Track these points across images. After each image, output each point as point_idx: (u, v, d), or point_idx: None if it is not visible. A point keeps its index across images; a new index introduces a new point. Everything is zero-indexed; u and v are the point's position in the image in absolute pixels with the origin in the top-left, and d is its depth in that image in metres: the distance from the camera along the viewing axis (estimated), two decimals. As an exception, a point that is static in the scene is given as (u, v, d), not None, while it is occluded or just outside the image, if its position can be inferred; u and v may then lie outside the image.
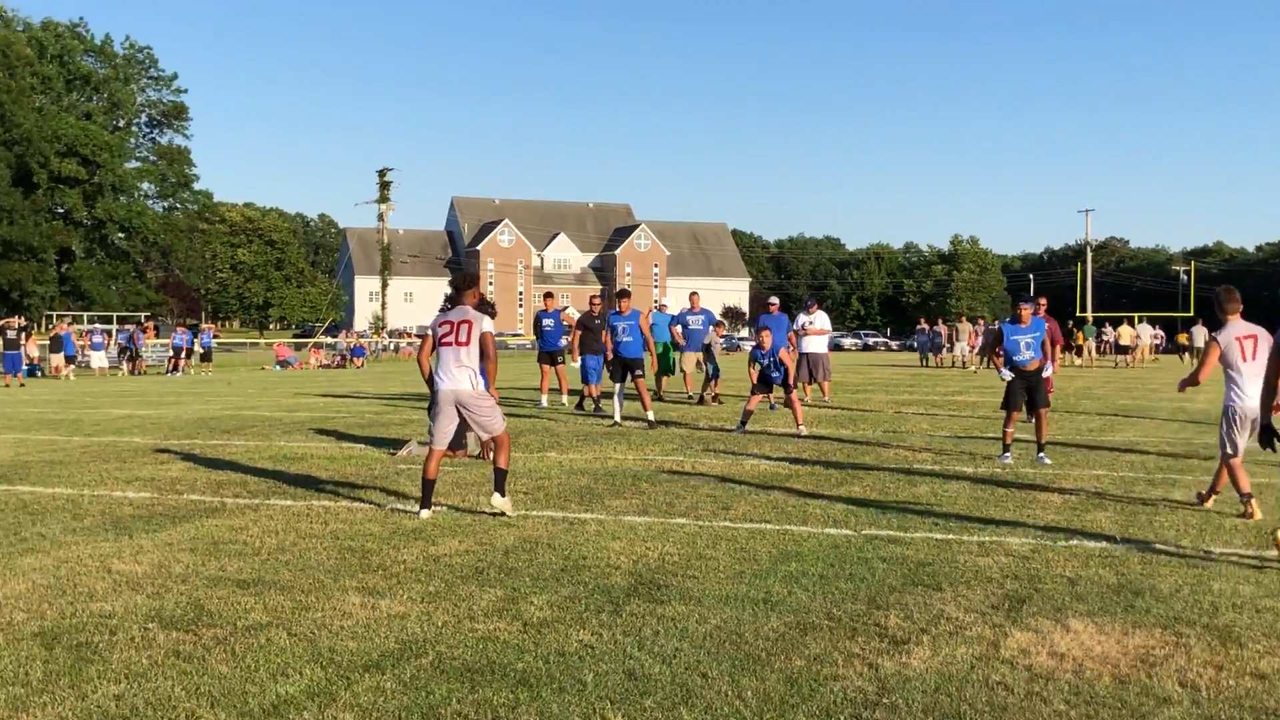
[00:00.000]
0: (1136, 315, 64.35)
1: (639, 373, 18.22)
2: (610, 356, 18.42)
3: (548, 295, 23.07)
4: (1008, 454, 13.35)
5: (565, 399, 22.02)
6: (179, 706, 5.09)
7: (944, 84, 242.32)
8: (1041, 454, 13.22)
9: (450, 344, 9.78)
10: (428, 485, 9.82)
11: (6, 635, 6.17)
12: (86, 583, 7.34)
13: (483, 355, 9.80)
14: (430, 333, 10.01)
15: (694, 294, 23.36)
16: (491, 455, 10.40)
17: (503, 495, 9.73)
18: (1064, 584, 7.25)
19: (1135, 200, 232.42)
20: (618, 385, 18.02)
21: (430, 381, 10.17)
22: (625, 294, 18.87)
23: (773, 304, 21.94)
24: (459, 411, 9.79)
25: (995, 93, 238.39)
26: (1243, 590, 7.06)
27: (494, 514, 9.76)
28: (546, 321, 21.99)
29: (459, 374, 9.71)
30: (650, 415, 17.72)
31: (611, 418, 18.00)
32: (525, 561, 7.93)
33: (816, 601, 6.82)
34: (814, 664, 5.65)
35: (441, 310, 11.22)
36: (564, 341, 22.42)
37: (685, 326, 22.88)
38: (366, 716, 4.96)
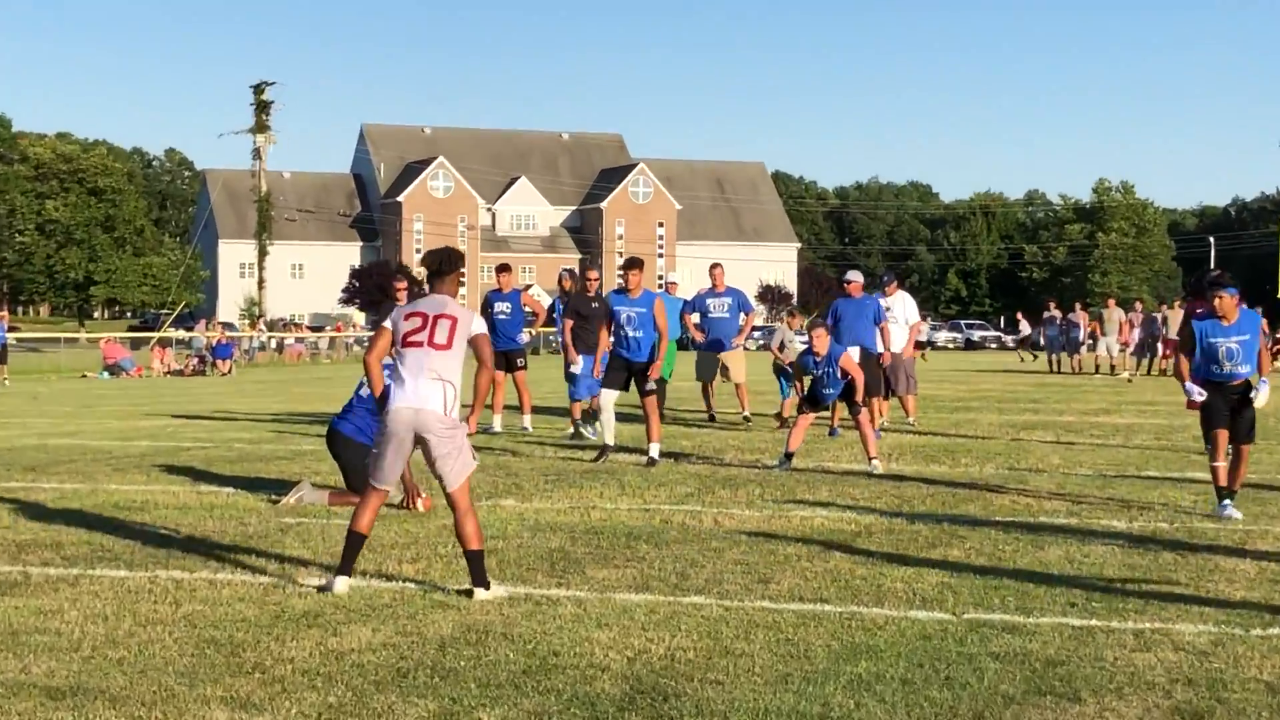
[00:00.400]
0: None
1: (650, 386, 17.95)
2: (594, 356, 18.55)
3: (502, 269, 23.13)
4: (1227, 504, 13.09)
5: (528, 420, 22.04)
6: None
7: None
8: (1227, 503, 13.15)
9: (420, 345, 9.73)
10: (354, 541, 9.78)
11: None
12: None
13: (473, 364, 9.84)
14: (389, 325, 9.94)
15: (716, 268, 23.36)
16: (456, 525, 9.91)
17: (487, 588, 9.62)
18: (1260, 691, 7.29)
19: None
20: (610, 397, 18.02)
21: (383, 397, 10.04)
22: (635, 264, 18.43)
23: (852, 283, 21.49)
24: (421, 441, 9.71)
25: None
26: None
27: (429, 586, 9.79)
28: (500, 306, 22.05)
29: (428, 389, 9.66)
30: (655, 449, 17.65)
31: (600, 448, 18.05)
32: (470, 660, 7.97)
33: (898, 718, 6.85)
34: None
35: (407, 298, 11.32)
36: (525, 336, 22.47)
37: (705, 314, 22.85)
38: None
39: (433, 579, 10.18)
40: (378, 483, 9.84)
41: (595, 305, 20.25)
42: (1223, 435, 12.91)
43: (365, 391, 14.15)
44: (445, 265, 10.07)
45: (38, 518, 13.30)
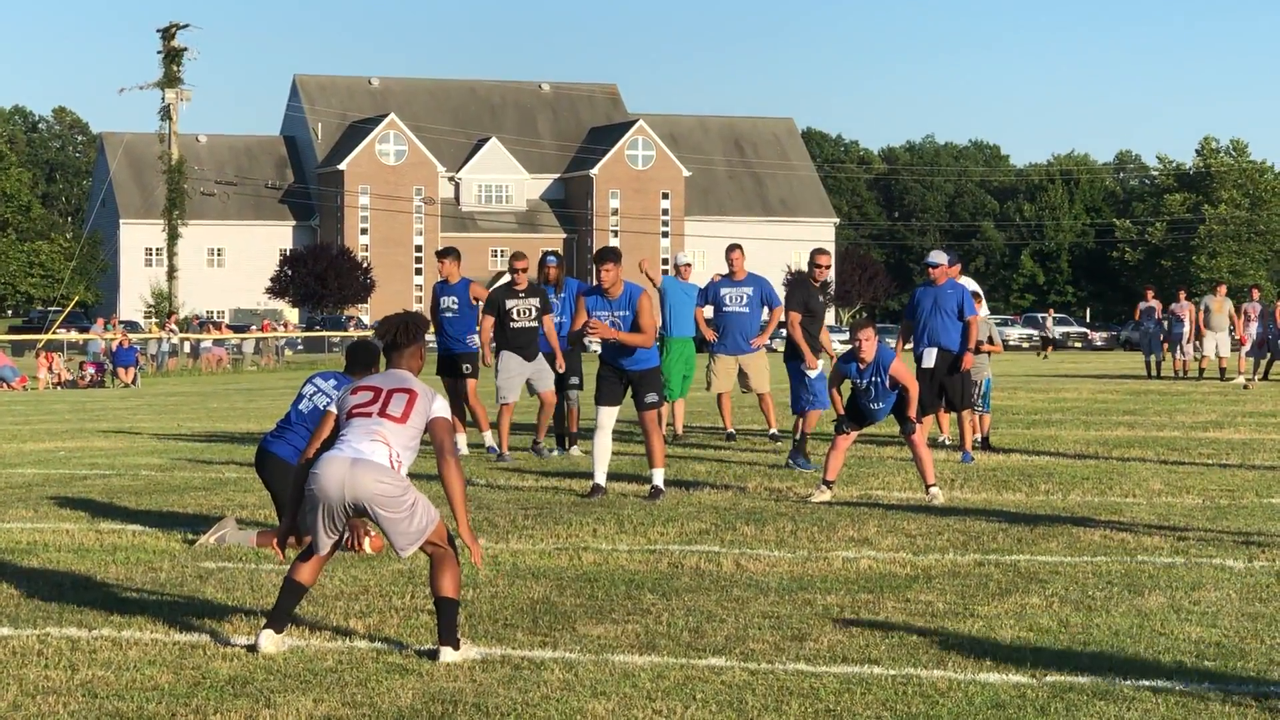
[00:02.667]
0: None
1: (651, 399, 17.80)
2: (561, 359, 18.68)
3: (445, 253, 22.89)
4: None
5: (489, 437, 22.02)
6: None
7: None
8: None
9: (369, 414, 9.71)
10: (291, 590, 9.77)
11: None
12: None
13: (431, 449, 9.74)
14: (334, 408, 9.89)
15: (735, 250, 23.24)
16: (431, 570, 9.92)
17: (456, 647, 9.58)
18: None
19: None
20: (607, 416, 17.92)
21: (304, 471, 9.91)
22: (610, 255, 18.03)
23: (937, 266, 21.20)
24: (359, 509, 9.65)
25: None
26: None
27: (388, 645, 9.81)
28: (446, 301, 22.07)
29: (370, 446, 9.61)
30: (659, 476, 17.48)
31: (592, 475, 17.95)
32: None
33: (966, 808, 6.88)
34: None
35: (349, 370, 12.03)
36: (474, 339, 22.35)
37: (720, 308, 22.75)
38: None
39: (388, 636, 10.18)
40: (319, 549, 9.76)
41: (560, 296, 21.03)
42: None
43: (305, 405, 14.16)
44: (402, 337, 9.95)
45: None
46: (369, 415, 9.62)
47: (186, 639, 10.30)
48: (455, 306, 21.88)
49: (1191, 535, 14.34)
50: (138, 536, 14.76)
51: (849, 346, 16.58)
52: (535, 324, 20.66)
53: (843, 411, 16.08)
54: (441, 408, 9.77)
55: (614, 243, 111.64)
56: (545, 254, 22.28)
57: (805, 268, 20.47)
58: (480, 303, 21.94)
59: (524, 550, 13.67)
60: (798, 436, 20.11)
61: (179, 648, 10.03)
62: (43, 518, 16.09)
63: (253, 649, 9.58)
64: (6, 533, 15.01)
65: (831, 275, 20.29)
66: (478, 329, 22.02)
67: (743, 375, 22.73)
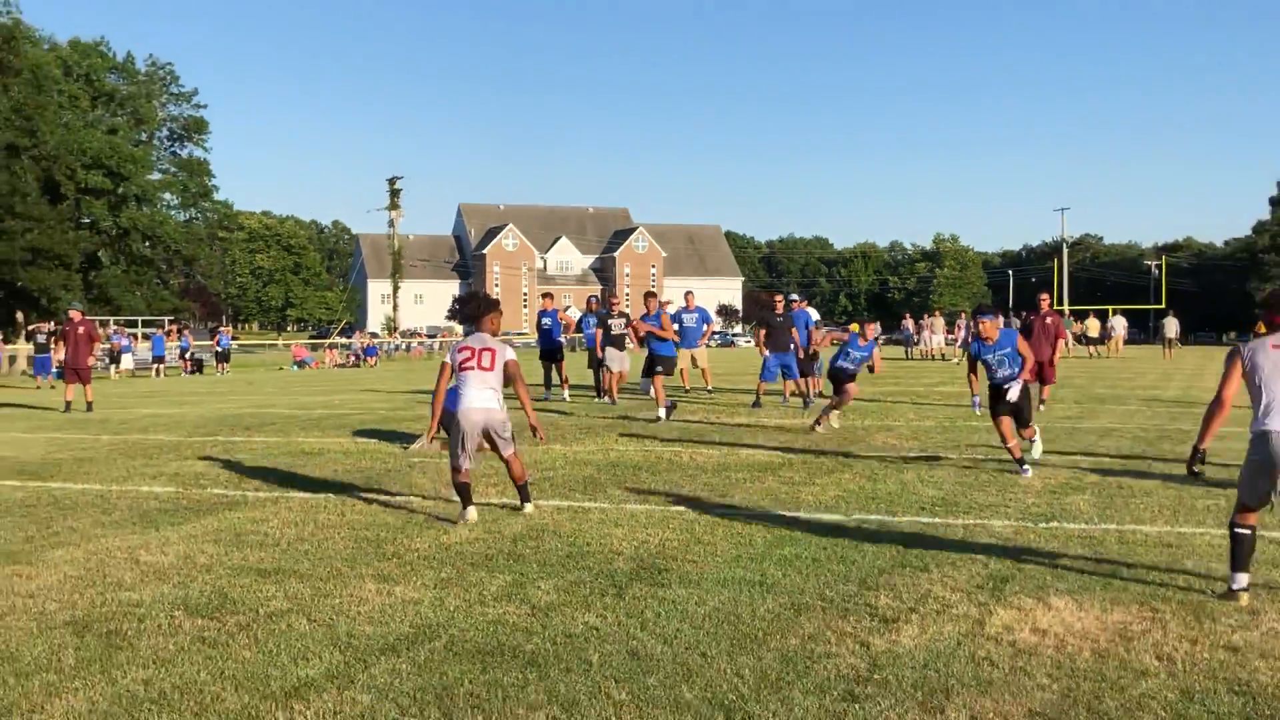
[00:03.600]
0: (1110, 308, 64.28)
1: (659, 370, 18.10)
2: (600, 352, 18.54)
3: (546, 295, 23.07)
4: (1025, 465, 11.25)
5: (566, 392, 21.95)
6: (205, 690, 5.08)
7: (927, 90, 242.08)
8: (1024, 463, 11.32)
9: (472, 368, 9.10)
10: (464, 488, 9.13)
11: (40, 624, 6.16)
12: (115, 573, 7.33)
13: (509, 382, 9.21)
14: (449, 359, 9.30)
15: (689, 294, 23.25)
16: (510, 472, 9.39)
17: (530, 503, 9.39)
18: (1045, 564, 7.24)
19: (1109, 199, 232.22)
20: (660, 379, 17.93)
21: (441, 409, 9.43)
22: (651, 294, 19.06)
23: (796, 301, 21.25)
24: (486, 434, 9.13)
25: (975, 98, 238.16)
26: (1215, 568, 7.04)
27: (501, 505, 9.75)
28: (546, 320, 22.09)
29: (490, 397, 9.07)
30: (663, 411, 17.20)
31: (666, 410, 17.36)
32: (532, 549, 7.92)
33: (810, 583, 6.81)
34: (808, 643, 5.65)
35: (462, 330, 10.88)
36: (563, 339, 22.39)
37: (680, 324, 22.75)
38: (383, 698, 4.95)
39: (508, 497, 10.14)
40: (458, 468, 9.08)
41: (616, 319, 20.72)
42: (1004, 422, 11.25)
43: None
44: (482, 309, 9.33)
45: (251, 459, 13.27)
46: (473, 369, 9.03)
47: (402, 498, 10.26)
48: (549, 323, 21.94)
49: (930, 441, 14.22)
50: (376, 445, 14.64)
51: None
52: (624, 333, 20.89)
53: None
54: (512, 354, 9.19)
55: (627, 294, 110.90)
56: (590, 297, 22.18)
57: (771, 303, 20.11)
58: (563, 323, 22.24)
59: (579, 450, 13.53)
60: (760, 395, 19.91)
61: (398, 503, 9.99)
62: (325, 435, 15.99)
63: (463, 519, 8.95)
64: (306, 444, 14.90)
65: (781, 306, 19.71)
66: (562, 335, 22.23)
67: (693, 359, 22.58)
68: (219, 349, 47.09)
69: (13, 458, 13.82)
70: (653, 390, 18.04)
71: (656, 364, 18.34)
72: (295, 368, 52.16)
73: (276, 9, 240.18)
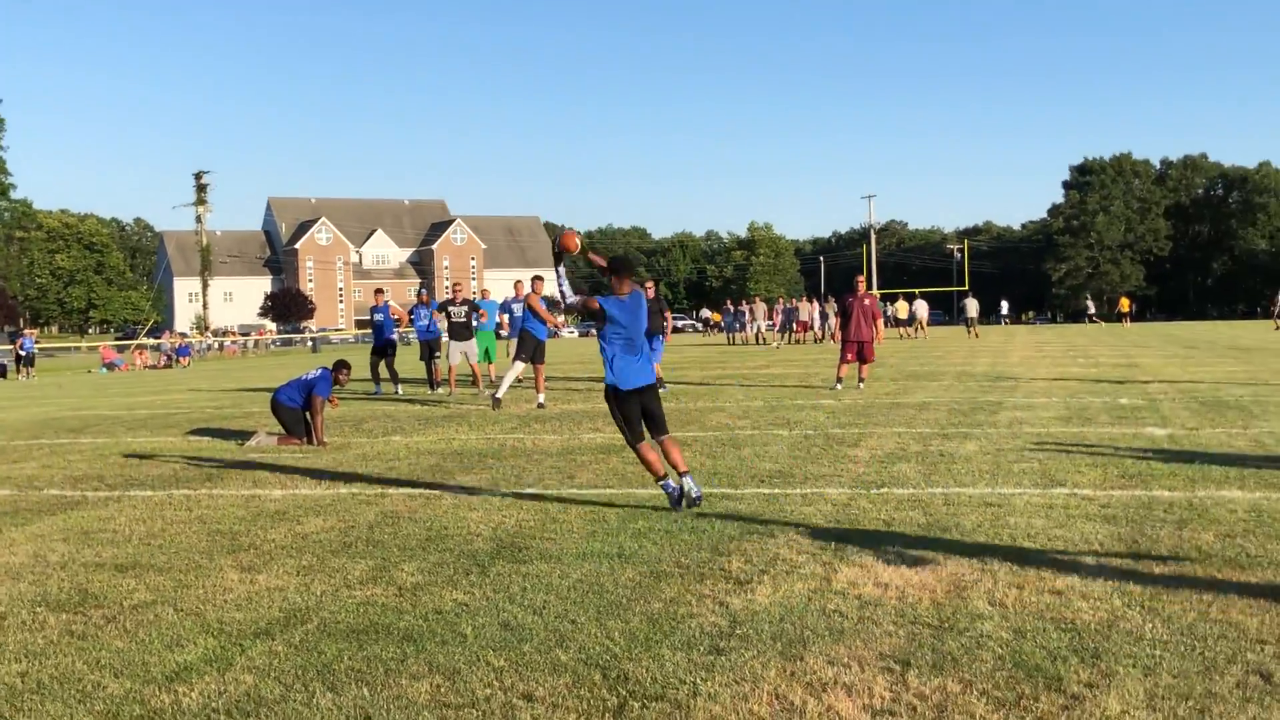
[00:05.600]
0: (916, 291, 66.82)
1: (542, 359, 18.12)
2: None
3: (378, 290, 22.91)
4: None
5: (400, 388, 21.86)
6: (84, 679, 5.11)
7: (737, 76, 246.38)
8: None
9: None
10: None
11: (-109, 629, 6.05)
12: (-37, 576, 7.19)
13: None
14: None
15: (536, 279, 23.31)
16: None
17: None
18: (880, 525, 7.73)
19: (913, 185, 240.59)
20: (520, 367, 18.00)
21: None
22: (540, 278, 18.73)
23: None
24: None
25: (785, 86, 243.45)
26: (1035, 523, 7.64)
27: (352, 495, 9.81)
28: (377, 316, 21.97)
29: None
30: (542, 398, 17.54)
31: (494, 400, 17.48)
32: (390, 534, 8.05)
33: (665, 553, 7.13)
34: (670, 605, 5.96)
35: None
36: (395, 334, 22.17)
37: (512, 314, 22.78)
38: (265, 677, 5.07)
39: (356, 487, 10.20)
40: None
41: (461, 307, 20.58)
42: None
43: (308, 376, 14.04)
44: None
45: (83, 460, 12.96)
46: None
47: (247, 493, 10.20)
48: (381, 318, 21.81)
49: (760, 420, 14.76)
50: (211, 442, 14.45)
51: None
52: (465, 320, 20.49)
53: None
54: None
55: (454, 283, 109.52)
56: (420, 289, 22.11)
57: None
58: (395, 317, 21.80)
59: (420, 440, 13.56)
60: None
61: (244, 498, 9.93)
62: (154, 435, 15.68)
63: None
64: (136, 444, 14.61)
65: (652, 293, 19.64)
66: (394, 331, 21.92)
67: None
68: (22, 353, 45.17)
69: None
70: (533, 375, 18.07)
71: (541, 350, 18.12)
72: (105, 370, 50.37)
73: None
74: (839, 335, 19.51)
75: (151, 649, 5.52)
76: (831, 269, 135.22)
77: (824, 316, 46.93)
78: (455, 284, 22.04)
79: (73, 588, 6.77)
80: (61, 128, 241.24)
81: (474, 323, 20.76)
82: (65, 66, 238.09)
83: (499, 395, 17.29)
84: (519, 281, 23.15)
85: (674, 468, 8.48)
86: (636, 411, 8.58)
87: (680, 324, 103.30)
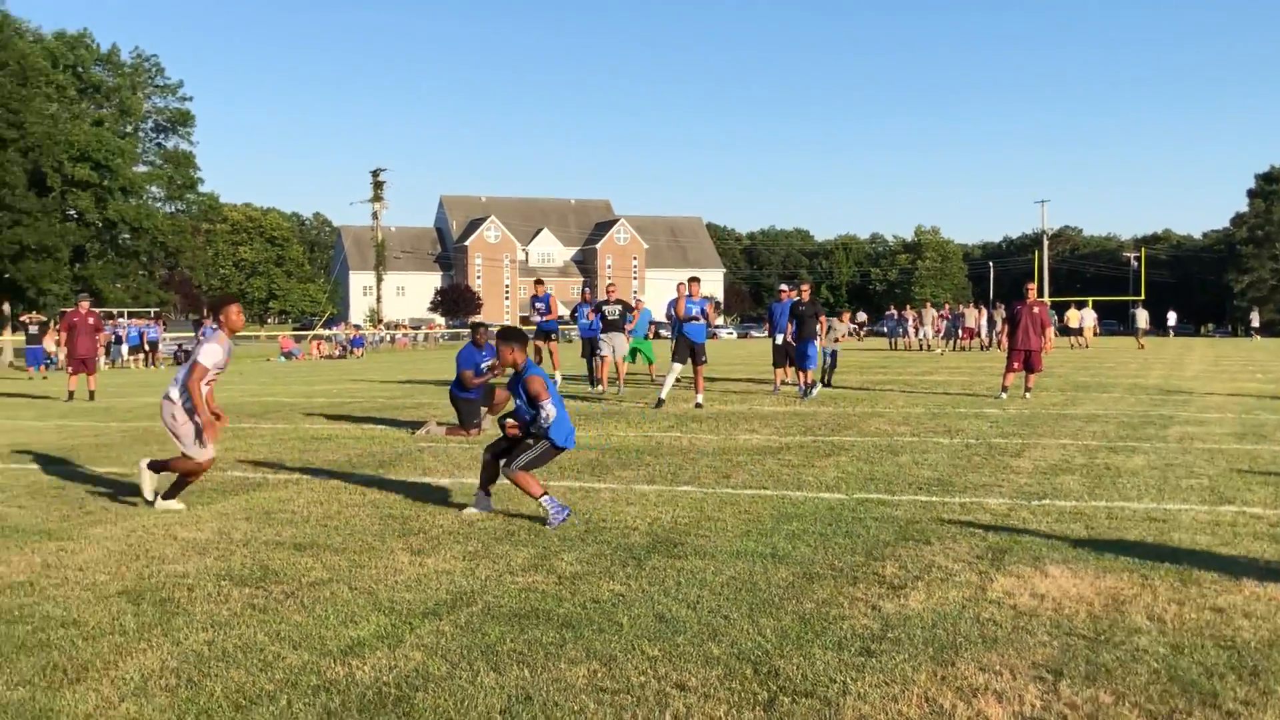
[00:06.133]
0: (1090, 300, 64.99)
1: (704, 359, 18.06)
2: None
3: (538, 281, 23.46)
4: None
5: (558, 376, 22.26)
6: (265, 649, 5.44)
7: (908, 82, 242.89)
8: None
9: None
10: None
11: (94, 594, 6.50)
12: (157, 548, 7.68)
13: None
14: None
15: (694, 281, 23.37)
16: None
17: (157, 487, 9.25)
18: (1039, 537, 7.65)
19: (1089, 191, 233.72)
20: (678, 368, 18.04)
21: None
22: (696, 279, 18.65)
23: (785, 290, 21.23)
24: None
25: (956, 90, 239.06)
26: (1200, 540, 7.48)
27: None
28: (538, 305, 22.45)
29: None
30: (700, 398, 17.74)
31: (658, 400, 17.90)
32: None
33: (819, 555, 7.20)
34: (823, 606, 6.04)
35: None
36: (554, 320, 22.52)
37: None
38: (433, 655, 5.32)
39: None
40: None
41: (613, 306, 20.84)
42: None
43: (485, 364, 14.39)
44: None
45: (264, 444, 13.59)
46: None
47: (416, 480, 10.58)
48: (543, 307, 22.27)
49: (922, 425, 14.67)
50: (383, 430, 14.98)
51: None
52: (618, 319, 20.89)
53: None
54: (203, 355, 8.88)
55: (609, 283, 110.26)
56: (583, 286, 22.47)
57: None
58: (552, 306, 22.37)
59: (581, 435, 13.85)
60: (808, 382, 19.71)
61: (414, 484, 10.33)
62: (331, 422, 16.32)
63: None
64: (314, 430, 15.25)
65: (797, 296, 19.42)
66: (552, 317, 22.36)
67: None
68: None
69: (31, 444, 14.12)
70: (694, 376, 18.15)
71: (700, 352, 18.02)
72: (283, 359, 52.28)
73: (258, 1, 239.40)
74: (1005, 343, 19.09)
75: (327, 624, 5.83)
76: (1001, 275, 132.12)
77: (991, 323, 46.02)
78: (610, 285, 22.24)
79: (254, 564, 7.18)
80: (247, 126, 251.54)
81: (626, 324, 21.12)
82: (252, 68, 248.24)
83: (662, 396, 17.68)
84: (681, 284, 23.38)
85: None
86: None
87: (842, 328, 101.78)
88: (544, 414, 8.35)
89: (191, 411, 8.96)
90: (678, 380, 20.70)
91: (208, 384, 8.98)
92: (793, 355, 20.12)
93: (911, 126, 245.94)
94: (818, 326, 19.86)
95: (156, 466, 9.24)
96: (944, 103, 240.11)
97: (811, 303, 20.00)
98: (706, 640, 5.47)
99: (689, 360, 17.97)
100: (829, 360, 22.84)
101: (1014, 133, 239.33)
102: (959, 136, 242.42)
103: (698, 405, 17.48)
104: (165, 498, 9.18)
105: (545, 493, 8.38)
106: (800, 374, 19.86)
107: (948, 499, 9.17)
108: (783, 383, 21.16)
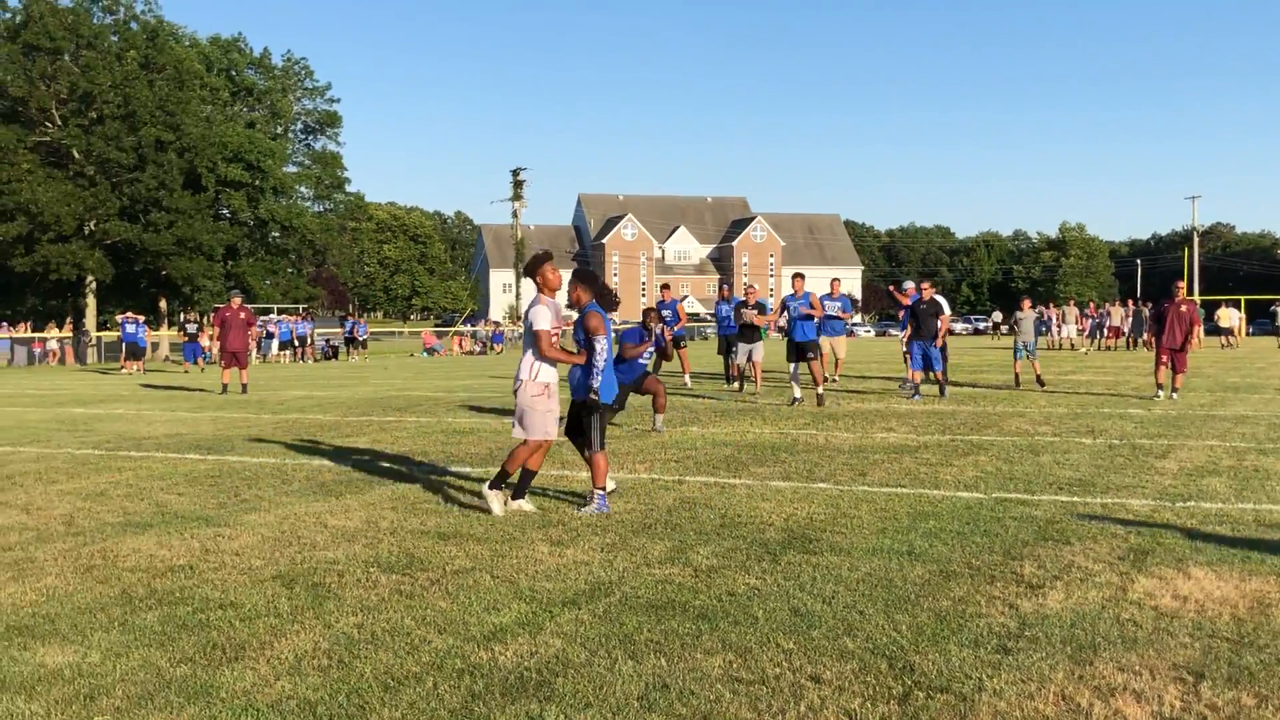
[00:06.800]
0: (1241, 299, 62.74)
1: (811, 355, 17.64)
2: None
3: (664, 286, 23.46)
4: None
5: (688, 380, 22.37)
6: (411, 633, 5.65)
7: (1052, 75, 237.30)
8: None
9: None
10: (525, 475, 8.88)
11: (250, 578, 6.80)
12: (308, 535, 7.99)
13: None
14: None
15: (834, 281, 23.36)
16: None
17: (506, 498, 8.77)
18: (1183, 539, 7.50)
19: (1242, 187, 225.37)
20: (796, 367, 17.91)
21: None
22: (799, 275, 18.29)
23: (907, 289, 20.53)
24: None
25: (1101, 82, 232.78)
26: (1354, 545, 7.25)
27: (652, 480, 10.22)
28: (665, 312, 22.37)
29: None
30: (820, 390, 17.61)
31: (792, 399, 17.84)
32: (687, 518, 8.39)
33: (956, 553, 7.17)
34: (959, 604, 6.02)
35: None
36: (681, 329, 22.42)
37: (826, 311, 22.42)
38: (572, 642, 5.46)
39: (656, 473, 10.62)
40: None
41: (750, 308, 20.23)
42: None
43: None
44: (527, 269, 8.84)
45: (409, 437, 13.96)
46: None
47: (558, 473, 10.76)
48: (669, 315, 21.79)
49: (1063, 425, 14.41)
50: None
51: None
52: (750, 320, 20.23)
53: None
54: (544, 320, 8.68)
55: (746, 281, 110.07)
56: (721, 284, 22.45)
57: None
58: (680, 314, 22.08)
59: (716, 432, 13.98)
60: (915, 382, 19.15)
61: (556, 478, 10.52)
62: (473, 416, 16.66)
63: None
64: (457, 423, 15.58)
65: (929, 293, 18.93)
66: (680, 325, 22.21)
67: (834, 348, 22.15)
68: (359, 336, 48.46)
69: (188, 434, 14.76)
70: (812, 371, 17.82)
71: (807, 350, 17.73)
72: (426, 354, 53.49)
73: (402, 4, 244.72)
74: (1151, 342, 18.54)
75: (471, 610, 6.02)
76: (1149, 272, 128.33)
77: (1138, 322, 44.75)
78: (749, 286, 21.82)
79: (401, 551, 7.42)
80: (392, 127, 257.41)
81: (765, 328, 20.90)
82: (396, 69, 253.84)
83: (797, 396, 17.60)
84: (835, 280, 23.23)
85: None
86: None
87: (981, 325, 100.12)
88: (597, 354, 8.63)
89: (546, 389, 8.73)
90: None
91: (556, 339, 8.81)
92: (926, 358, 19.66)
93: (1058, 120, 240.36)
94: (938, 325, 19.27)
95: (496, 482, 8.75)
96: (1091, 95, 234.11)
97: (932, 302, 19.51)
98: (841, 635, 5.51)
99: (797, 359, 17.77)
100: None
101: (1165, 126, 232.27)
102: (1107, 130, 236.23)
103: (794, 400, 17.52)
104: (515, 497, 8.84)
105: (603, 487, 8.79)
106: (928, 375, 19.43)
107: (1089, 499, 9.02)
108: (912, 383, 20.92)
